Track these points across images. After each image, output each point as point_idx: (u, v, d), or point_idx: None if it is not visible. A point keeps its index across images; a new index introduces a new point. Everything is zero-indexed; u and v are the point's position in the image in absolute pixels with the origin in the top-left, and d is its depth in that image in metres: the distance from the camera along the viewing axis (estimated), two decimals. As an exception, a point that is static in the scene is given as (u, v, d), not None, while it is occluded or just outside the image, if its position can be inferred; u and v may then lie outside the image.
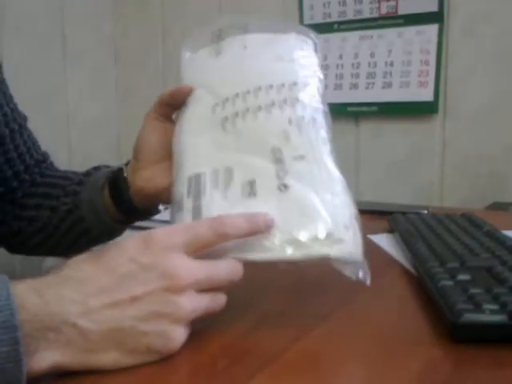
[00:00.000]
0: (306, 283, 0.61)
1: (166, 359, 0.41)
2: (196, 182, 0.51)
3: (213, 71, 0.58)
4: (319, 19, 1.50)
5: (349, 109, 1.48)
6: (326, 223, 0.46)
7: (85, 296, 0.38)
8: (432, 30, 1.37)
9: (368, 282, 0.49)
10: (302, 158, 0.49)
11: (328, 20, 1.50)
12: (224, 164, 0.51)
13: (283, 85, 0.53)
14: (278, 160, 0.49)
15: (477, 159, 1.36)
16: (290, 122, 0.51)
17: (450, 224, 0.77)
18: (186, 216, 0.49)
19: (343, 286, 0.59)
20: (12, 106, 0.74)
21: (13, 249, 0.78)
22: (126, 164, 0.66)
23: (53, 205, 0.71)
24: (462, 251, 0.61)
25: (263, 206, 0.47)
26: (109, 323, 0.38)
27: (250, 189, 0.49)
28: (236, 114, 0.53)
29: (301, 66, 0.56)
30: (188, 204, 0.50)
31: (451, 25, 1.37)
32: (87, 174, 0.72)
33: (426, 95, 1.38)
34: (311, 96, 0.54)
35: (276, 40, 0.58)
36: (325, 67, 1.51)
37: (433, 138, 1.41)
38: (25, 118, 0.76)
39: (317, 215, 0.47)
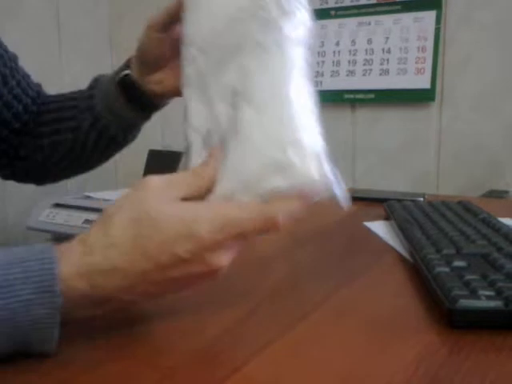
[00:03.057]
0: (300, 270, 0.61)
1: (161, 345, 0.41)
2: (188, 146, 0.51)
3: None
4: (316, 5, 1.49)
5: (345, 96, 1.48)
6: (277, 152, 0.44)
7: (130, 284, 0.40)
8: (430, 16, 1.37)
9: (346, 203, 0.45)
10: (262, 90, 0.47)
11: (325, 6, 1.50)
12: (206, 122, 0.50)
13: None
14: (234, 103, 0.48)
15: (473, 147, 1.36)
16: (259, 44, 0.48)
17: (446, 211, 0.77)
18: None
19: (338, 273, 0.59)
20: (1, 52, 0.72)
21: (39, 179, 0.80)
22: (127, 66, 0.67)
23: (72, 125, 0.71)
24: (458, 238, 0.61)
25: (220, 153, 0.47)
26: (146, 294, 0.42)
27: (209, 139, 0.48)
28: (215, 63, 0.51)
29: None
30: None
31: (449, 11, 1.36)
32: (92, 87, 0.71)
33: (423, 82, 1.38)
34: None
35: None
36: (321, 54, 1.50)
37: (429, 125, 1.41)
38: (15, 58, 0.75)
39: (265, 148, 0.44)
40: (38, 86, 0.78)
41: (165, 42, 0.61)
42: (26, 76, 0.76)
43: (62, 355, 0.39)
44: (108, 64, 1.90)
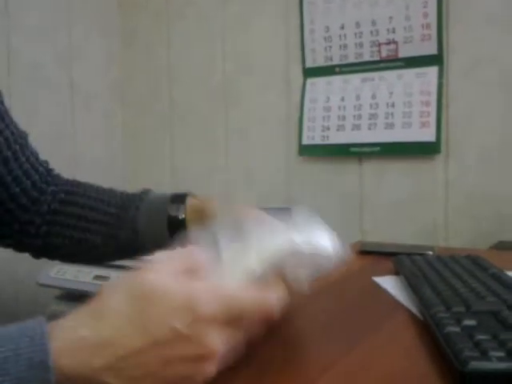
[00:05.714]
0: (310, 331, 0.61)
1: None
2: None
3: None
4: (321, 62, 1.53)
5: (352, 149, 1.50)
6: None
7: (118, 360, 0.38)
8: (432, 72, 1.40)
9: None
10: None
11: (330, 63, 1.54)
12: None
13: None
14: None
15: (480, 198, 1.36)
16: None
17: (455, 266, 0.77)
18: None
19: (348, 333, 0.59)
20: (12, 129, 0.75)
21: (45, 255, 0.83)
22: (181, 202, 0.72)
23: (111, 233, 0.74)
24: (468, 295, 0.61)
25: None
26: (133, 380, 0.39)
27: None
28: None
29: None
30: None
31: (451, 67, 1.39)
32: (140, 198, 0.75)
33: (428, 135, 1.40)
34: None
35: None
36: (327, 109, 1.53)
37: (436, 177, 1.42)
38: (26, 136, 0.78)
39: None
40: (46, 162, 0.81)
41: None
42: (34, 153, 0.79)
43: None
44: (119, 121, 1.97)
